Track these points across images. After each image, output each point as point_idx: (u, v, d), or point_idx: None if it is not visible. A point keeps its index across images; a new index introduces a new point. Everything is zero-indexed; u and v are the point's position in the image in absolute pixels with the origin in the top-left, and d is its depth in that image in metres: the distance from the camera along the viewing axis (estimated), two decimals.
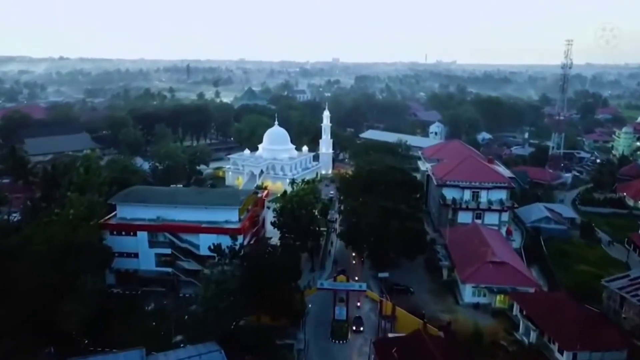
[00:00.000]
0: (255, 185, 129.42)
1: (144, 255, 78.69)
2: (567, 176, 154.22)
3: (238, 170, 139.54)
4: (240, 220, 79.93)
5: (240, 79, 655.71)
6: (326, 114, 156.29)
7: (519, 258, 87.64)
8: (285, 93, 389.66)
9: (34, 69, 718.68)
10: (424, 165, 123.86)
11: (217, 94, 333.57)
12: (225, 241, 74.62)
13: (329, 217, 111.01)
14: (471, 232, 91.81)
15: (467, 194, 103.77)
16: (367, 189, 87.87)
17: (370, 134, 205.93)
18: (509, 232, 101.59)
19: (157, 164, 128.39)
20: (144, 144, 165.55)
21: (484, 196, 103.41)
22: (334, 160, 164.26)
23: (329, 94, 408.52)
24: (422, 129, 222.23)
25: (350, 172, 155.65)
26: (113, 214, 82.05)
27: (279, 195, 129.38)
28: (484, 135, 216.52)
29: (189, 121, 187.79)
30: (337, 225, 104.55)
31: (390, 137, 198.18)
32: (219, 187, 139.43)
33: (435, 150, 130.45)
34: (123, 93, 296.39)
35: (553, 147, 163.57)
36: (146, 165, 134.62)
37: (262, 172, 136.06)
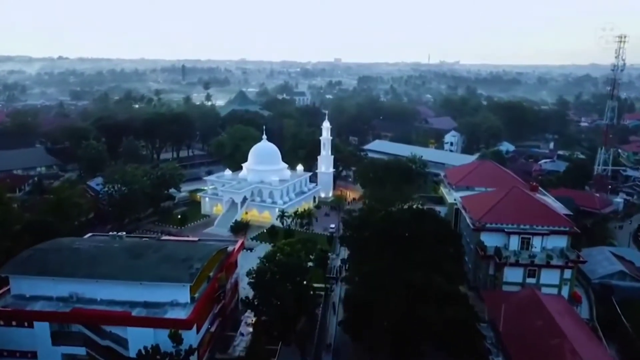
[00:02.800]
0: (235, 218, 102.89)
1: (46, 356, 51.99)
2: (618, 201, 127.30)
3: (216, 196, 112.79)
4: (194, 299, 53.23)
5: (239, 80, 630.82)
6: (326, 126, 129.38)
7: (606, 350, 60.61)
8: (284, 95, 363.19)
9: (27, 69, 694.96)
10: (450, 195, 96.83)
11: (208, 97, 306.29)
12: (167, 340, 48.19)
13: (329, 264, 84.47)
14: (528, 303, 64.74)
15: (514, 241, 76.83)
16: (384, 243, 60.84)
17: (377, 145, 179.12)
18: (575, 298, 74.61)
19: (112, 191, 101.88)
20: (109, 160, 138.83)
21: (537, 244, 76.43)
22: (335, 179, 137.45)
23: (330, 96, 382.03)
24: (436, 139, 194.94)
25: (355, 197, 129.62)
26: (5, 289, 55.40)
27: (265, 230, 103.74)
28: (507, 147, 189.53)
29: (168, 131, 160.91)
30: (337, 296, 76.89)
31: (400, 149, 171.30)
32: (194, 215, 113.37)
33: (463, 173, 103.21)
34: (104, 96, 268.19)
35: (598, 166, 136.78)
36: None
37: (245, 199, 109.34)
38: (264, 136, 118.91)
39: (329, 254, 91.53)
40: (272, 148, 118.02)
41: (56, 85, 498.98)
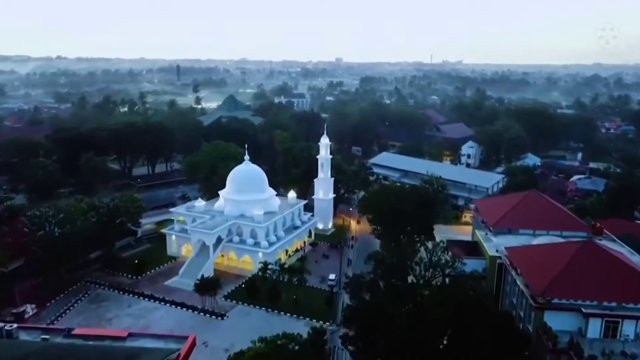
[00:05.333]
0: (201, 272, 79.02)
1: None
2: None
3: (185, 233, 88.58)
4: None
5: (237, 80, 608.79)
6: (324, 142, 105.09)
7: None
8: (282, 98, 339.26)
9: (21, 70, 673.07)
10: (487, 241, 72.48)
11: (198, 100, 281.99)
12: None
13: (326, 347, 60.56)
14: None
15: (595, 326, 52.87)
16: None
17: (384, 159, 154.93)
18: None
19: (42, 232, 78.29)
20: (64, 180, 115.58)
21: (629, 330, 52.68)
22: (336, 204, 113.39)
23: (331, 98, 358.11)
24: (451, 150, 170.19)
25: (360, 221, 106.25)
26: None
27: (243, 284, 79.89)
28: (533, 160, 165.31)
29: (140, 143, 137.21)
30: None
31: (411, 164, 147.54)
32: (158, 257, 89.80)
33: (502, 209, 78.94)
34: (81, 100, 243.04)
35: None
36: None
37: (220, 239, 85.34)
38: (247, 157, 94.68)
39: (327, 324, 68.09)
40: (256, 172, 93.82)
41: (45, 86, 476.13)
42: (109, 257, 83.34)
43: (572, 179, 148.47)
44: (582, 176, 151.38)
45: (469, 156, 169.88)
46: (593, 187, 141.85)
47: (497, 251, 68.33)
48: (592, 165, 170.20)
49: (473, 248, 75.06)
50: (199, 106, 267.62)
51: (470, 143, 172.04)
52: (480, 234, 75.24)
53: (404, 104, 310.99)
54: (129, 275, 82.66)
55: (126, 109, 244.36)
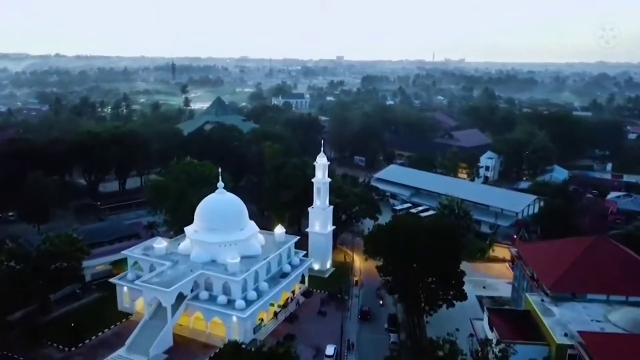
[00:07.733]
0: (161, 335, 58.54)
1: None
2: None
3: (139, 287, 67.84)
4: None
5: (235, 79, 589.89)
6: (322, 162, 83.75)
7: None
8: (279, 98, 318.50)
9: (14, 67, 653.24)
10: (550, 319, 51.54)
11: (187, 102, 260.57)
12: None
13: None
14: None
15: None
16: None
17: (392, 174, 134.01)
18: None
19: None
20: (4, 205, 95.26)
21: None
22: (336, 234, 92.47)
23: (331, 98, 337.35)
24: (468, 161, 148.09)
25: (364, 256, 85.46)
26: None
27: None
28: (561, 174, 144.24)
29: (105, 156, 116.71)
30: None
31: (424, 180, 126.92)
32: (105, 314, 69.39)
33: (560, 263, 58.11)
34: (56, 102, 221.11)
35: None
36: None
37: (182, 296, 64.65)
38: (221, 183, 73.82)
39: None
40: (232, 204, 72.73)
41: (34, 85, 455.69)
42: (30, 321, 62.60)
43: (609, 197, 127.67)
44: (621, 194, 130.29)
45: (487, 168, 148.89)
46: (636, 207, 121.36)
47: (565, 335, 47.78)
48: (626, 178, 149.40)
49: (524, 321, 54.06)
50: (188, 108, 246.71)
51: (489, 154, 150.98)
52: (534, 301, 54.34)
53: (409, 105, 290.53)
54: (60, 346, 62.07)
55: (108, 111, 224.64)
